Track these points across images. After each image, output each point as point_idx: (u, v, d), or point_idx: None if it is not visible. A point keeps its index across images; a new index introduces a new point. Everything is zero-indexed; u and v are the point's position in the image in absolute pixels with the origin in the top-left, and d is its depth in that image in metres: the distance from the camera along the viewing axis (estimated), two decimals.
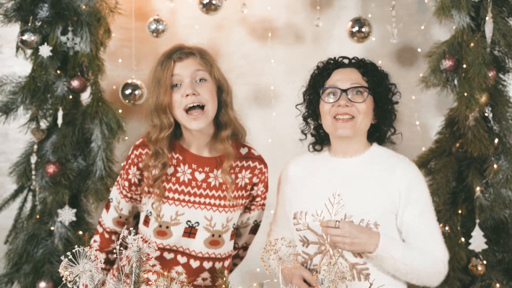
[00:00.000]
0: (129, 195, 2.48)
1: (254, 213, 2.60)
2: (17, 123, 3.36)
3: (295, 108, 2.60)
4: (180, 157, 2.43)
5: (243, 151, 2.53)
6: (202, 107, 2.37)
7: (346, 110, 2.38)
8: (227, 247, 2.50)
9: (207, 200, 2.46)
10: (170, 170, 2.43)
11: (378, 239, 2.32)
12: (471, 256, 3.19)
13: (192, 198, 2.44)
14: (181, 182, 2.43)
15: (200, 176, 2.44)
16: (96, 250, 2.03)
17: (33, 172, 3.23)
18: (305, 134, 2.60)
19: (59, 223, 3.22)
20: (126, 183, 2.45)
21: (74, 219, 3.22)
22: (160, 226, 2.40)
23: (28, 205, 3.35)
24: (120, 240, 2.08)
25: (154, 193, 2.43)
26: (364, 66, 2.48)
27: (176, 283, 2.01)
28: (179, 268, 2.41)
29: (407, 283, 2.51)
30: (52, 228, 3.25)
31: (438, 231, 2.49)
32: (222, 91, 2.46)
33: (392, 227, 2.42)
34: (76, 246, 1.97)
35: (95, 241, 2.53)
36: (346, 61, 2.52)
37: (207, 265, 2.44)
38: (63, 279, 1.93)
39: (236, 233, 2.61)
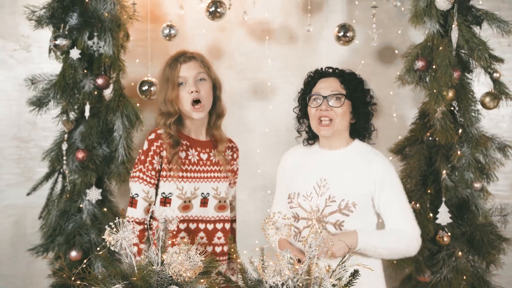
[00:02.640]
0: (155, 182, 2.78)
1: (235, 187, 3.02)
2: (46, 115, 3.53)
3: (292, 111, 2.86)
4: (188, 143, 2.81)
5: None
6: (199, 101, 2.76)
7: (326, 114, 2.66)
8: (229, 210, 2.91)
9: (212, 174, 2.85)
10: (183, 154, 2.78)
11: (357, 236, 2.58)
12: (438, 229, 3.40)
13: (202, 174, 2.82)
14: (193, 163, 2.81)
15: (204, 156, 2.83)
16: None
17: (64, 158, 3.42)
18: (299, 132, 2.88)
19: (87, 201, 3.42)
20: (153, 173, 2.76)
21: (100, 198, 3.41)
22: (185, 201, 2.76)
23: (58, 186, 3.54)
24: (150, 213, 2.51)
25: (173, 170, 2.75)
26: (342, 76, 2.75)
27: (196, 247, 2.25)
28: (202, 233, 2.78)
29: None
30: (81, 205, 3.44)
31: (409, 210, 2.74)
32: (216, 88, 2.87)
33: (368, 208, 2.69)
34: (117, 218, 2.22)
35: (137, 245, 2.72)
36: (330, 70, 2.79)
37: (218, 226, 2.83)
38: (107, 244, 2.21)
39: (232, 207, 3.01)
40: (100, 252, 2.36)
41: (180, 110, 2.80)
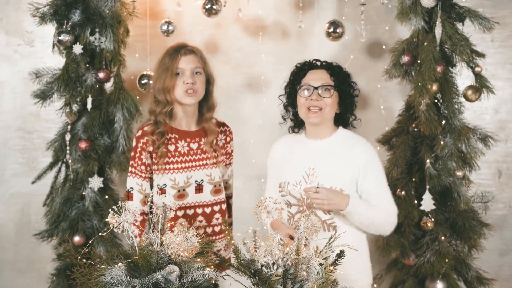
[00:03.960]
0: (147, 175, 2.93)
1: (231, 166, 3.16)
2: (49, 107, 3.58)
3: (278, 98, 2.98)
4: (177, 136, 2.94)
5: (212, 121, 3.03)
6: (195, 91, 2.89)
7: (316, 103, 2.79)
8: (223, 192, 3.05)
9: (204, 162, 2.97)
10: (172, 147, 2.91)
11: (349, 200, 2.71)
12: (422, 215, 3.47)
13: (193, 163, 2.95)
14: (183, 154, 2.94)
15: (194, 146, 2.96)
16: (138, 236, 2.54)
17: (68, 148, 3.48)
18: (285, 119, 3.00)
19: (89, 189, 3.50)
20: (143, 167, 2.91)
21: (102, 185, 3.49)
22: (179, 191, 2.90)
23: (61, 175, 3.61)
24: (150, 204, 2.64)
25: (158, 163, 2.88)
26: (331, 69, 2.88)
27: (194, 230, 2.37)
28: (200, 217, 2.92)
29: (365, 233, 2.87)
30: (83, 193, 3.51)
31: (389, 192, 2.85)
32: (209, 83, 2.99)
33: (353, 192, 2.80)
34: (120, 202, 2.39)
35: (133, 231, 2.90)
36: (318, 63, 2.91)
37: (216, 208, 2.97)
38: (111, 226, 2.32)
39: (227, 187, 3.14)
40: (104, 234, 2.49)
41: (174, 100, 2.90)
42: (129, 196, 2.95)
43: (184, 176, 2.94)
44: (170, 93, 2.88)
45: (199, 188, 2.96)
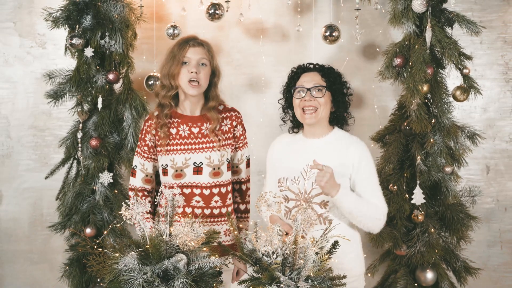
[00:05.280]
0: (150, 156, 3.11)
1: (243, 150, 3.24)
2: (60, 106, 3.66)
3: (278, 102, 3.10)
4: (179, 120, 3.10)
5: (220, 108, 3.18)
6: (198, 83, 3.05)
7: (310, 103, 2.92)
8: (226, 176, 3.15)
9: (204, 145, 3.10)
10: (174, 131, 3.08)
11: (339, 188, 2.82)
12: (413, 208, 3.54)
13: (193, 146, 3.09)
14: (183, 137, 3.09)
15: (195, 130, 3.10)
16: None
17: (79, 145, 3.57)
18: (284, 121, 3.14)
19: (100, 184, 3.57)
20: (146, 148, 3.10)
21: (111, 181, 3.57)
22: (176, 170, 3.06)
23: (73, 170, 3.69)
24: (160, 191, 2.80)
25: (161, 144, 3.05)
26: (323, 70, 3.01)
27: (198, 222, 2.54)
28: (197, 198, 3.06)
29: (359, 230, 2.97)
30: (94, 187, 3.59)
31: (380, 190, 2.96)
32: (215, 75, 3.15)
33: (347, 187, 2.92)
34: (131, 195, 2.55)
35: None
36: (311, 66, 3.04)
37: (215, 190, 3.09)
38: (124, 218, 2.50)
39: (237, 171, 3.25)
40: (118, 225, 2.67)
41: (179, 86, 3.07)
42: (132, 173, 3.15)
43: (182, 158, 3.08)
44: (174, 79, 3.04)
45: (197, 170, 3.09)
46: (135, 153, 3.14)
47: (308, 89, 2.96)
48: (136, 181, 3.15)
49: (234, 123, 3.21)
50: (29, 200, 4.12)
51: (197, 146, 3.11)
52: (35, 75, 4.04)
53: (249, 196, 3.31)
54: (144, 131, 3.11)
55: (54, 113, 4.05)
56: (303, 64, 3.09)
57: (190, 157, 3.09)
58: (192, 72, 3.03)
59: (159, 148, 3.09)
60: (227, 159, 3.17)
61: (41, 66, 4.02)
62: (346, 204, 2.85)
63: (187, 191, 3.09)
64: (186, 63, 3.05)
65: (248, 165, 3.30)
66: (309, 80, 3.00)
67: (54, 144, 4.01)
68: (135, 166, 3.14)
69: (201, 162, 3.10)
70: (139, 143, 3.13)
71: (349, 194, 2.88)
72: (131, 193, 3.09)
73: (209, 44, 3.16)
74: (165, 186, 3.07)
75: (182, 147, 3.10)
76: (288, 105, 3.11)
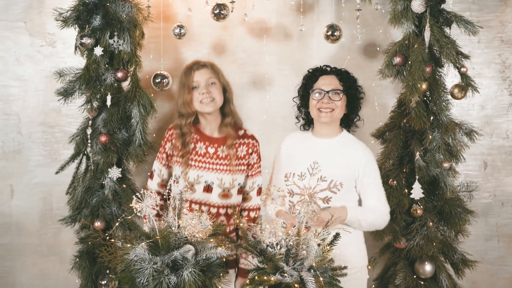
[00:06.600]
0: (167, 163, 3.23)
1: (255, 178, 3.31)
2: (70, 103, 3.68)
3: (292, 100, 3.21)
4: (198, 137, 3.21)
5: (240, 133, 3.29)
6: (212, 99, 3.16)
7: (328, 106, 3.06)
8: (236, 199, 3.25)
9: (217, 167, 3.21)
10: (191, 146, 3.19)
11: (347, 210, 2.97)
12: (412, 203, 3.59)
13: (207, 165, 3.20)
14: (199, 154, 3.20)
15: (211, 150, 3.22)
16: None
17: (89, 141, 3.60)
18: (298, 119, 3.26)
19: (109, 179, 3.61)
20: (165, 155, 3.23)
21: (120, 175, 3.60)
22: (187, 185, 3.14)
23: (82, 166, 3.73)
24: (169, 186, 2.91)
25: (180, 163, 3.15)
26: (340, 74, 3.14)
27: (205, 218, 2.67)
28: (204, 215, 3.05)
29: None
30: (103, 182, 3.63)
31: (383, 193, 3.12)
32: (226, 91, 3.27)
33: (351, 188, 3.07)
34: (142, 189, 2.63)
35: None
36: (328, 69, 3.15)
37: (222, 211, 3.19)
38: (134, 210, 2.60)
39: (247, 198, 3.29)
40: (129, 218, 2.77)
41: (196, 110, 3.18)
42: (151, 175, 3.29)
43: (195, 174, 3.19)
44: (190, 106, 3.18)
45: (207, 188, 3.19)
46: (156, 158, 3.28)
47: (327, 92, 3.09)
48: (153, 184, 3.29)
49: (250, 151, 3.30)
50: (39, 195, 4.16)
51: (210, 166, 3.21)
52: (45, 73, 4.09)
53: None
54: (166, 139, 3.24)
55: (64, 110, 4.09)
56: (321, 66, 3.22)
57: (203, 175, 3.20)
58: (203, 93, 3.14)
59: (174, 158, 3.19)
60: (239, 184, 3.25)
61: (51, 64, 4.06)
62: (356, 221, 3.01)
63: (195, 206, 3.18)
64: (196, 87, 3.18)
65: (259, 193, 3.33)
66: (327, 83, 3.13)
67: (63, 140, 4.06)
68: (154, 169, 3.28)
69: (212, 182, 3.20)
70: (160, 149, 3.26)
71: (357, 212, 3.04)
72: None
73: (213, 63, 3.29)
74: (174, 181, 3.18)
75: (196, 163, 3.20)
76: (303, 104, 3.24)
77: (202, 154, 3.22)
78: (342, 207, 3.00)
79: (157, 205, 3.05)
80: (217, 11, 3.71)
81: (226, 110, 3.29)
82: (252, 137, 3.34)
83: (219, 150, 3.23)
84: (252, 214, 3.35)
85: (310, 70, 3.25)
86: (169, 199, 2.77)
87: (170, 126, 3.26)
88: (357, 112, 3.23)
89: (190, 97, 3.20)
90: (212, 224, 2.69)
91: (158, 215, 3.03)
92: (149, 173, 3.29)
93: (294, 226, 2.72)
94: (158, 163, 3.28)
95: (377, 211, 3.08)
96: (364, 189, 3.09)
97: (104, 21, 3.56)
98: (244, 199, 3.33)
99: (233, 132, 3.26)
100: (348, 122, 3.24)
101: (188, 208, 2.92)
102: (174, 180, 3.19)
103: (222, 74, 3.28)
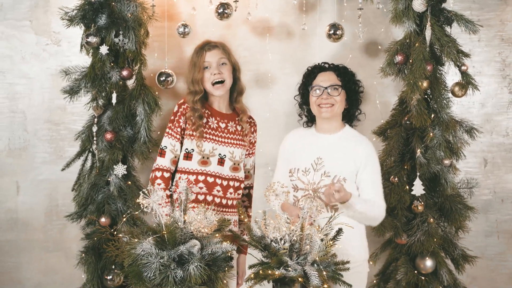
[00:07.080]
0: (180, 138, 3.27)
1: (253, 157, 3.47)
2: (75, 101, 3.73)
3: (294, 98, 3.26)
4: (209, 112, 3.30)
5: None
6: (222, 81, 3.25)
7: (327, 101, 3.11)
8: (242, 173, 3.36)
9: (229, 140, 3.32)
10: (204, 120, 3.26)
11: (351, 195, 3.00)
12: (413, 199, 3.60)
13: (220, 139, 3.29)
14: (212, 128, 3.29)
15: (222, 125, 3.32)
16: (163, 190, 2.87)
17: (94, 138, 3.64)
18: (300, 116, 3.31)
19: (114, 176, 3.64)
20: (179, 129, 3.27)
21: (125, 172, 3.63)
22: (203, 157, 3.24)
23: (88, 163, 3.77)
24: (175, 182, 2.94)
25: (195, 136, 3.22)
26: (338, 70, 3.18)
27: (211, 209, 2.71)
28: (218, 187, 3.22)
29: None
30: (109, 179, 3.66)
31: (381, 188, 3.15)
32: (235, 70, 3.37)
33: (353, 182, 3.11)
34: (149, 186, 2.69)
35: (159, 184, 3.20)
36: (326, 65, 3.20)
37: (231, 183, 3.29)
38: (141, 206, 2.64)
39: (248, 176, 3.43)
40: (136, 213, 2.82)
41: (205, 89, 3.27)
42: (161, 153, 3.28)
43: (210, 146, 3.26)
44: (199, 84, 3.25)
45: (221, 161, 3.28)
46: (166, 134, 3.29)
47: (325, 88, 3.14)
48: (166, 161, 3.28)
49: (252, 129, 3.43)
50: (45, 192, 4.20)
51: (223, 140, 3.30)
52: (50, 72, 4.12)
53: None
54: (179, 113, 3.27)
55: (69, 108, 4.12)
56: (319, 64, 3.26)
57: (217, 148, 3.28)
58: (215, 74, 3.22)
59: (188, 132, 3.23)
60: (243, 159, 3.37)
61: (56, 63, 4.09)
62: (356, 207, 3.01)
63: (210, 179, 3.27)
64: (207, 67, 3.25)
65: (254, 171, 3.52)
66: (326, 79, 3.18)
67: (68, 138, 4.09)
68: (165, 147, 3.28)
69: (224, 155, 3.29)
70: (171, 125, 3.28)
71: (359, 200, 3.05)
72: (158, 173, 3.23)
73: (223, 43, 3.36)
74: (181, 176, 3.23)
75: (211, 136, 3.28)
76: (303, 101, 3.29)
77: (214, 128, 3.31)
78: (347, 192, 3.00)
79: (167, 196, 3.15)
80: (221, 10, 3.75)
81: (238, 88, 3.39)
82: (251, 117, 3.49)
83: (229, 125, 3.33)
84: (252, 192, 3.52)
85: (309, 68, 3.30)
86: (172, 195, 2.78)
87: (180, 102, 3.31)
88: (357, 106, 3.26)
89: (201, 76, 3.28)
90: (217, 219, 2.74)
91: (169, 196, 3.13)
92: (158, 152, 3.29)
93: (299, 217, 2.76)
94: (170, 139, 3.29)
95: (376, 204, 3.11)
96: (363, 182, 3.11)
97: (110, 20, 3.59)
98: (246, 177, 3.45)
99: (246, 108, 3.40)
100: (350, 116, 3.28)
101: (192, 183, 3.07)
102: (184, 155, 3.24)
103: (233, 54, 3.37)
